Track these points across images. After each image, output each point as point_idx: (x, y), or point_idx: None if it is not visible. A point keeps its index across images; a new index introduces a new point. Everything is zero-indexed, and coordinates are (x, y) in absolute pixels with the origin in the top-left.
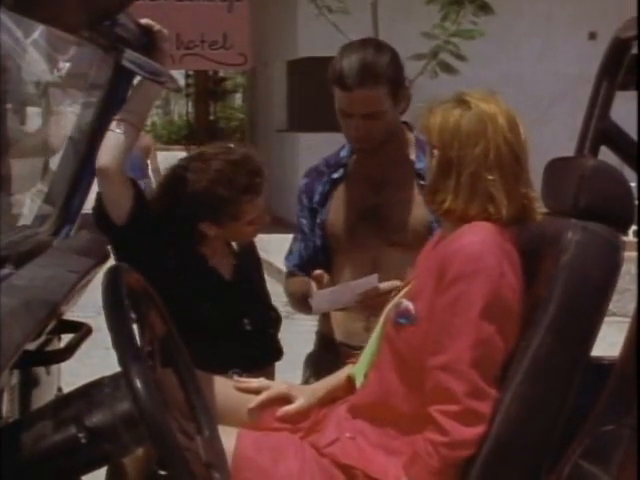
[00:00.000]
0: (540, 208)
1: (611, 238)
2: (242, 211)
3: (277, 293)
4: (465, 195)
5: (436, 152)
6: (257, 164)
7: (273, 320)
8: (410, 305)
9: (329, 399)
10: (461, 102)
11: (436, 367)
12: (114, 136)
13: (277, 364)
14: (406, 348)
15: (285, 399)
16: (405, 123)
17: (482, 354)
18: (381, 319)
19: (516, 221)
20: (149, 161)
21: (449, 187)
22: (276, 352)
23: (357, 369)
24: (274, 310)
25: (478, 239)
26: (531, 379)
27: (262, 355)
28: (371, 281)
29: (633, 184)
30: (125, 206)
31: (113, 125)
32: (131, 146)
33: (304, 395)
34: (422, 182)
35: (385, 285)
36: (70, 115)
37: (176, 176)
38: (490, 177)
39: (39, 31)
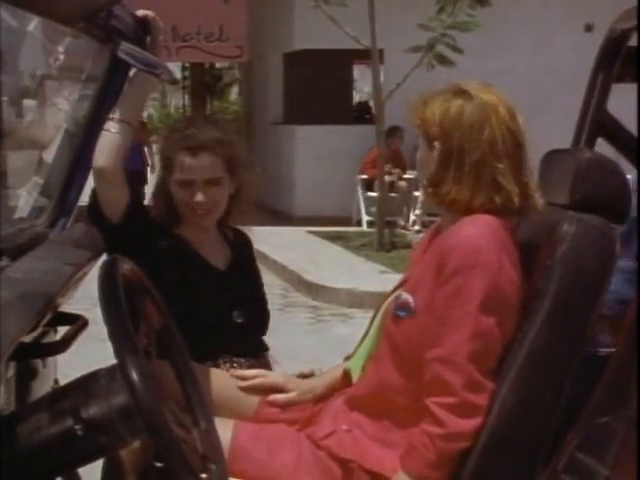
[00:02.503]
0: (540, 198)
1: (607, 230)
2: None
3: (271, 284)
4: (470, 185)
5: (437, 144)
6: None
7: (263, 314)
8: (409, 298)
9: (327, 395)
10: (461, 92)
11: (433, 359)
12: (110, 136)
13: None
14: (404, 341)
15: (280, 390)
16: None
17: (480, 347)
18: (380, 312)
19: (519, 211)
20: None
21: (453, 177)
22: (261, 347)
23: (354, 362)
24: (265, 304)
25: (477, 232)
26: (527, 371)
27: (248, 349)
28: None
29: (629, 176)
30: (120, 206)
31: (108, 124)
32: (127, 144)
33: (299, 389)
34: None
35: None
36: (66, 107)
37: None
38: (495, 166)
39: (35, 23)
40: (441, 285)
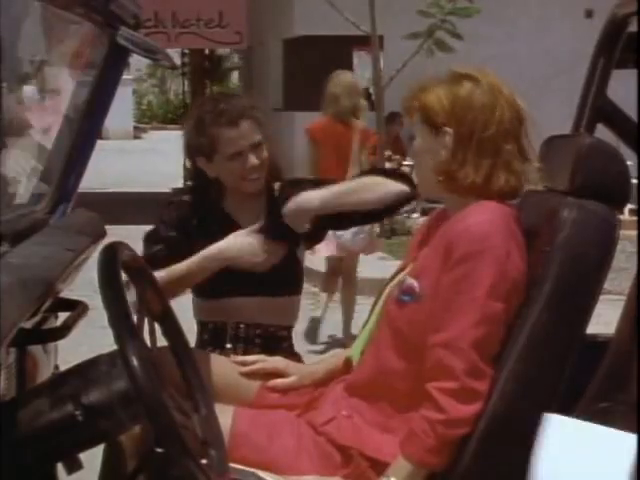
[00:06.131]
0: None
1: (607, 216)
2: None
3: None
4: (486, 168)
5: (449, 129)
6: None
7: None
8: (414, 283)
9: (327, 381)
10: (466, 77)
11: (437, 344)
12: None
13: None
14: (407, 326)
15: (280, 376)
16: None
17: (484, 333)
18: (382, 297)
19: (518, 193)
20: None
21: (469, 162)
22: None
23: (354, 348)
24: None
25: (485, 219)
26: (526, 357)
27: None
28: None
29: (630, 162)
30: None
31: None
32: None
33: (300, 374)
34: None
35: None
36: (66, 93)
37: None
38: (507, 147)
39: (34, 8)
40: (448, 271)
